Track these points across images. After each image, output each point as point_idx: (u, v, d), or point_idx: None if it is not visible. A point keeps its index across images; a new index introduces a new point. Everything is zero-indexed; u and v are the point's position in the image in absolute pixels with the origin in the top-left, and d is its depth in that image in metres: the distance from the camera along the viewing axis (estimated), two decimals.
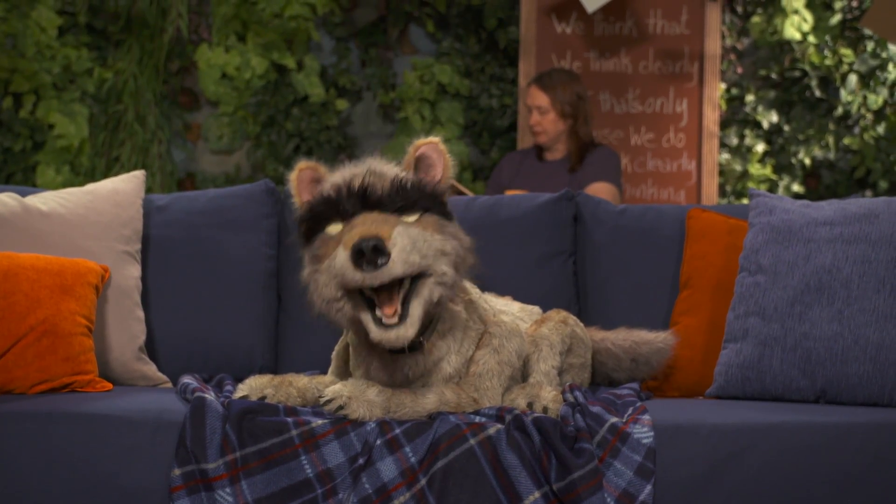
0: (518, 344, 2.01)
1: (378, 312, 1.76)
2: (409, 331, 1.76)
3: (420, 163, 1.90)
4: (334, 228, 1.82)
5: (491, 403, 1.93)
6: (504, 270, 2.50)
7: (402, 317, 1.76)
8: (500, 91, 4.92)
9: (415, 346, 1.89)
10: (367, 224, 1.75)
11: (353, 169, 1.87)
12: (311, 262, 1.84)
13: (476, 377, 1.93)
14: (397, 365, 1.91)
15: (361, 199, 1.81)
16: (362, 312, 1.78)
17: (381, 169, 1.86)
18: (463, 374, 1.95)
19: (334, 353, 2.11)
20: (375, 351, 1.91)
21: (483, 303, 2.06)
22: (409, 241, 1.74)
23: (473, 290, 2.06)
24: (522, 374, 2.09)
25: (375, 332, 1.76)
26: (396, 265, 1.72)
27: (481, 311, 2.02)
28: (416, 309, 1.77)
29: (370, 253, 1.70)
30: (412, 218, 1.82)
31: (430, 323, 1.91)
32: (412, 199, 1.82)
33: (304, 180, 1.92)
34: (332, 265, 1.77)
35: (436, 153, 1.90)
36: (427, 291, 1.78)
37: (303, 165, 1.92)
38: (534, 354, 2.09)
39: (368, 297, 1.78)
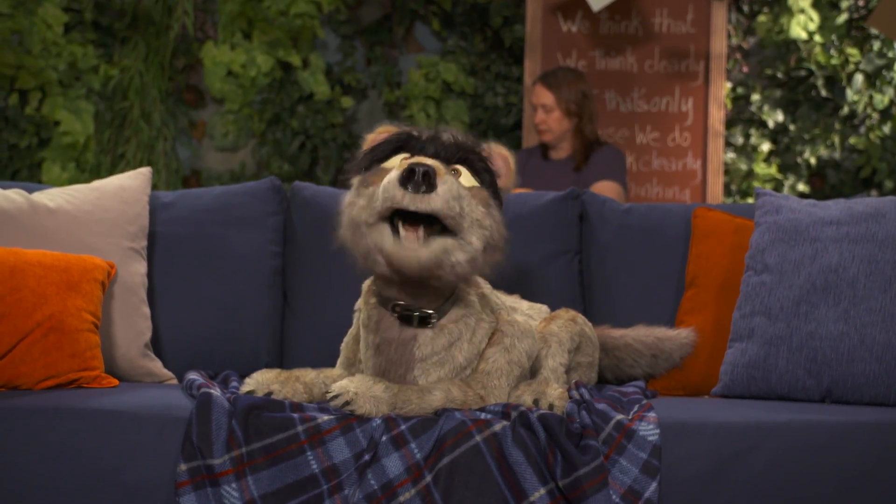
0: (529, 345, 2.01)
1: (400, 234, 1.78)
2: (423, 253, 1.77)
3: (489, 158, 1.95)
4: (393, 162, 1.87)
5: (497, 402, 1.93)
6: (510, 269, 2.50)
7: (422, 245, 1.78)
8: (506, 89, 4.92)
9: (426, 322, 1.89)
10: (426, 159, 1.79)
11: (425, 127, 1.93)
12: (358, 186, 1.87)
13: (484, 375, 1.94)
14: (407, 343, 1.91)
15: (431, 141, 1.86)
16: (385, 234, 1.79)
17: (456, 131, 1.92)
18: (473, 368, 1.95)
19: (343, 345, 2.11)
20: (384, 322, 1.91)
21: (495, 298, 2.06)
22: (456, 190, 1.78)
23: (486, 285, 2.07)
24: (531, 371, 2.09)
25: (391, 244, 1.77)
26: (438, 199, 1.75)
27: (493, 306, 2.02)
28: (437, 245, 1.79)
29: (420, 177, 1.73)
30: (468, 182, 1.86)
31: (443, 302, 1.91)
32: (475, 163, 1.88)
33: (380, 138, 1.96)
34: (377, 189, 1.80)
35: (504, 163, 1.96)
36: (452, 245, 1.80)
37: (382, 129, 1.97)
38: (542, 350, 2.10)
39: (395, 231, 1.80)
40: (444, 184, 1.76)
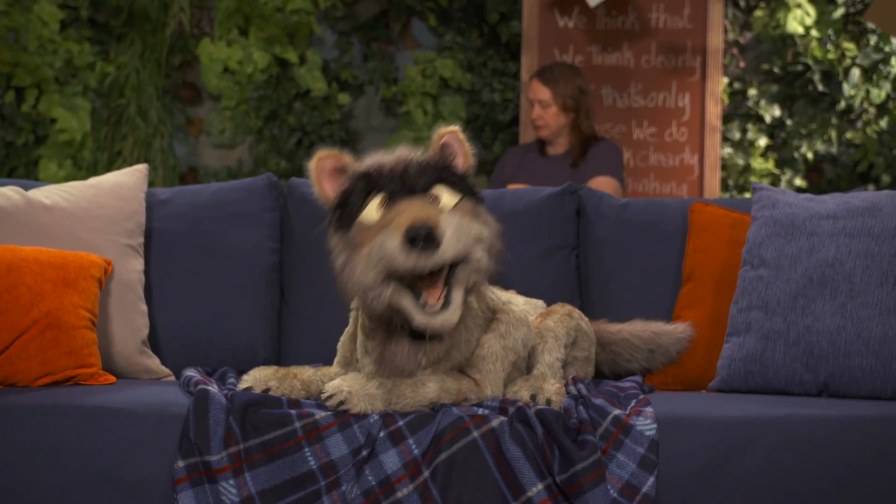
0: (525, 333, 2.02)
1: (422, 299, 1.76)
2: (454, 315, 1.76)
3: (443, 151, 1.91)
4: (371, 215, 1.80)
5: (492, 387, 1.93)
6: (507, 265, 2.50)
7: (445, 303, 1.76)
8: (503, 85, 4.92)
9: (435, 334, 1.89)
10: (414, 209, 1.74)
11: (381, 156, 1.87)
12: (345, 249, 1.82)
13: (479, 359, 1.94)
14: (413, 352, 1.91)
15: (401, 178, 1.80)
16: (404, 299, 1.77)
17: (413, 154, 1.86)
18: (468, 359, 1.95)
19: (340, 343, 2.11)
20: (393, 337, 1.91)
21: (491, 292, 2.06)
22: (455, 229, 1.74)
23: None
24: (527, 366, 2.09)
25: (420, 318, 1.76)
26: (448, 252, 1.72)
27: (489, 300, 2.02)
28: (458, 295, 1.78)
29: (424, 239, 1.69)
30: (452, 201, 1.83)
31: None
32: (450, 178, 1.84)
33: (325, 169, 1.90)
34: (376, 251, 1.74)
35: (457, 142, 1.91)
36: (465, 277, 1.80)
37: (323, 154, 1.90)
38: (539, 346, 2.10)
39: (408, 285, 1.77)
40: (445, 232, 1.72)
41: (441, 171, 1.83)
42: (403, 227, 1.70)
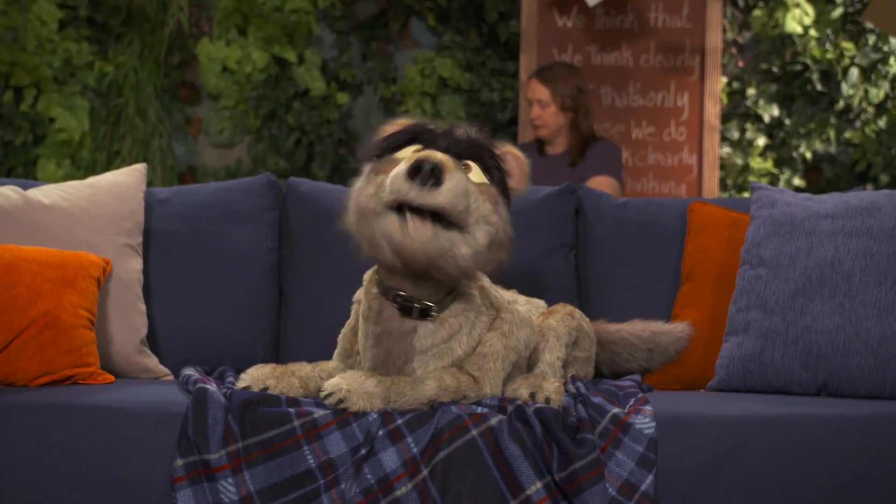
0: (528, 333, 2.02)
1: (408, 223, 1.78)
2: (428, 242, 1.77)
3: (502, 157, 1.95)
4: (404, 154, 1.86)
5: (491, 385, 1.94)
6: (507, 263, 2.50)
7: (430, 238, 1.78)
8: (501, 85, 4.92)
9: (426, 314, 1.89)
10: (436, 153, 1.79)
11: (441, 122, 1.93)
12: (368, 173, 1.87)
13: (480, 357, 1.94)
14: (407, 335, 1.91)
15: (444, 136, 1.86)
16: (391, 219, 1.79)
17: (469, 127, 1.92)
18: (470, 357, 1.96)
19: (341, 336, 2.11)
20: (385, 313, 1.91)
21: (494, 290, 2.07)
22: (463, 186, 1.78)
23: (485, 279, 2.07)
24: (528, 365, 2.10)
25: (398, 233, 1.77)
26: (443, 194, 1.75)
27: (493, 298, 2.03)
28: (443, 236, 1.79)
29: (426, 171, 1.73)
30: (478, 178, 1.86)
31: (444, 296, 1.92)
32: (486, 160, 1.88)
33: (392, 128, 1.96)
34: (386, 178, 1.80)
35: (517, 164, 1.96)
36: (455, 239, 1.80)
37: (399, 122, 1.97)
38: (540, 345, 2.10)
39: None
40: (452, 179, 1.76)
41: (482, 149, 1.88)
42: (415, 157, 1.76)
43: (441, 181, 1.75)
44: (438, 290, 1.90)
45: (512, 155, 1.96)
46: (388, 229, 1.78)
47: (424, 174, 1.74)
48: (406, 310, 1.90)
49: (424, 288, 1.89)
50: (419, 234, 1.76)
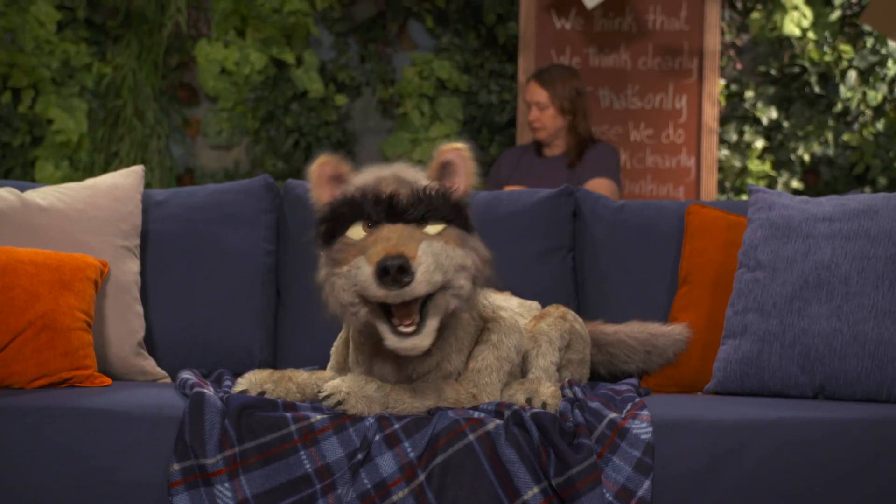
0: (517, 340, 2.01)
1: (395, 321, 1.76)
2: (424, 341, 1.76)
3: (444, 169, 1.89)
4: (356, 233, 1.80)
5: (490, 399, 1.93)
6: (503, 266, 2.50)
7: (419, 329, 1.76)
8: (500, 87, 4.92)
9: (407, 356, 1.89)
10: (392, 239, 1.73)
11: (377, 172, 1.85)
12: (328, 264, 1.82)
13: (475, 373, 1.94)
14: (402, 366, 1.91)
15: (387, 208, 1.79)
16: (378, 320, 1.78)
17: (407, 176, 1.84)
18: (462, 370, 1.95)
19: (333, 349, 2.11)
20: (380, 350, 1.91)
21: (482, 298, 2.06)
22: (433, 260, 1.73)
23: None
24: (521, 370, 2.09)
25: (392, 340, 1.76)
26: (420, 286, 1.72)
27: (479, 308, 2.02)
28: (433, 321, 1.77)
29: (395, 272, 1.69)
30: (436, 229, 1.80)
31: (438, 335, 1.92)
32: (438, 209, 1.80)
33: (325, 175, 1.89)
34: (352, 274, 1.76)
35: (460, 160, 1.88)
36: (444, 303, 1.79)
37: (323, 160, 1.89)
38: (533, 350, 2.09)
39: (384, 308, 1.78)
40: (420, 265, 1.71)
41: (430, 202, 1.80)
42: (376, 258, 1.71)
43: (411, 273, 1.70)
44: None
45: (452, 153, 1.88)
46: (382, 333, 1.77)
47: (393, 276, 1.69)
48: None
49: None
50: (412, 337, 1.75)
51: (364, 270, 1.73)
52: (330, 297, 1.82)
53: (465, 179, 1.88)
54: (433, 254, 1.74)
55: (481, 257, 1.85)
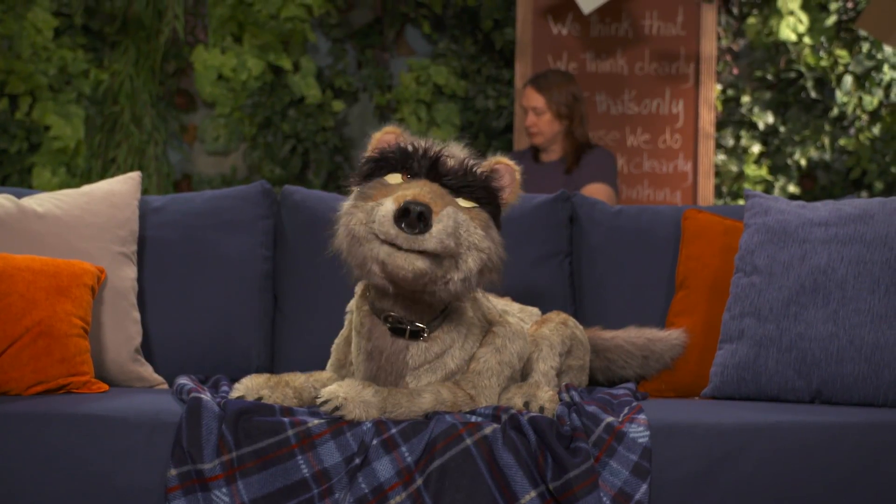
0: (521, 346, 2.01)
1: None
2: (418, 261, 1.76)
3: (492, 174, 1.93)
4: (393, 178, 1.85)
5: (487, 402, 1.93)
6: (498, 284, 2.50)
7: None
8: (497, 92, 4.92)
9: (417, 336, 1.89)
10: (424, 189, 1.78)
11: (430, 142, 1.91)
12: (357, 197, 1.85)
13: (475, 374, 1.94)
14: (399, 352, 1.91)
15: (430, 165, 1.84)
16: (382, 247, 1.78)
17: (459, 151, 1.90)
18: (464, 371, 1.95)
19: (334, 346, 2.11)
20: (377, 331, 1.91)
21: (487, 301, 2.06)
22: (452, 224, 1.77)
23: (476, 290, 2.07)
24: (521, 374, 2.09)
25: (387, 254, 1.77)
26: (431, 240, 1.74)
27: (485, 310, 2.02)
28: (434, 263, 1.78)
29: (414, 217, 1.72)
30: (468, 204, 1.85)
31: (437, 316, 1.92)
32: (474, 188, 1.85)
33: (385, 142, 1.94)
34: (374, 209, 1.79)
35: (510, 176, 1.94)
36: (446, 266, 1.80)
37: (389, 129, 1.95)
38: (534, 354, 2.10)
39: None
40: (440, 222, 1.75)
41: (472, 176, 1.86)
42: (402, 200, 1.74)
43: (429, 225, 1.73)
44: (429, 311, 1.90)
45: (503, 166, 1.94)
46: (380, 256, 1.78)
47: (411, 220, 1.73)
48: (397, 331, 1.90)
49: (415, 309, 1.89)
50: (410, 262, 1.76)
51: (386, 206, 1.76)
52: (344, 225, 1.84)
53: (509, 193, 1.94)
54: (455, 220, 1.78)
55: (497, 252, 1.87)
